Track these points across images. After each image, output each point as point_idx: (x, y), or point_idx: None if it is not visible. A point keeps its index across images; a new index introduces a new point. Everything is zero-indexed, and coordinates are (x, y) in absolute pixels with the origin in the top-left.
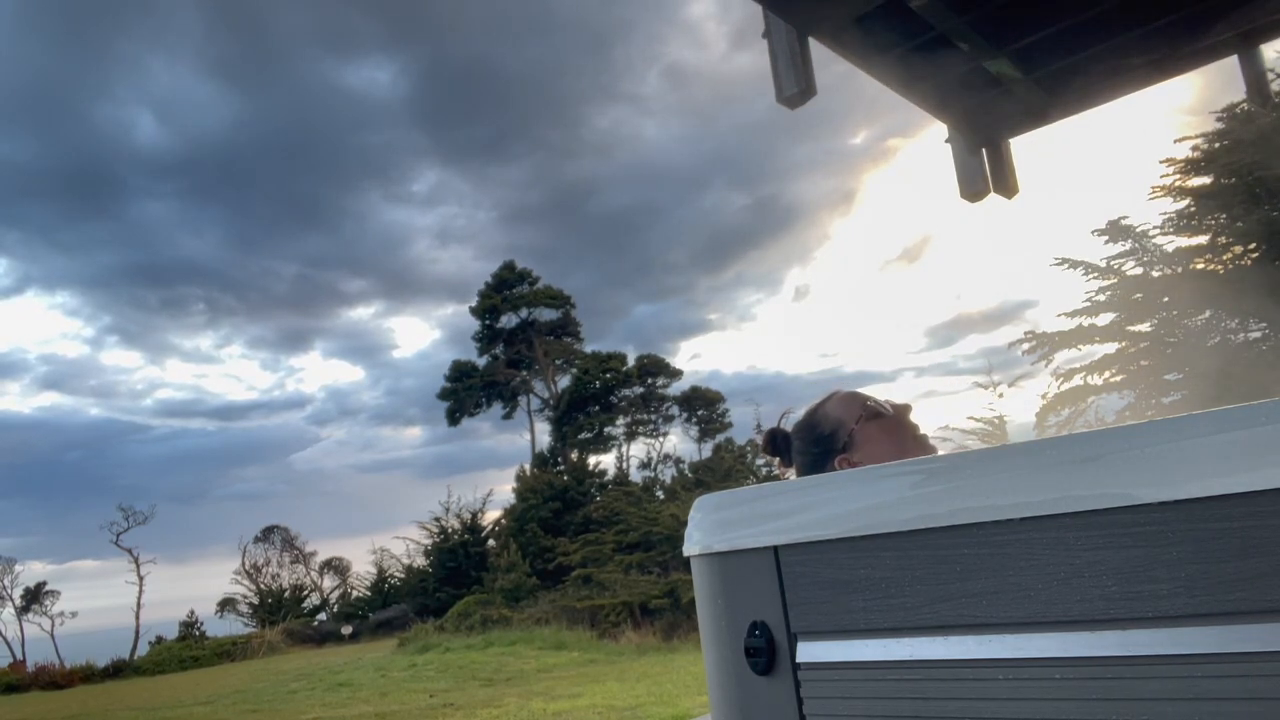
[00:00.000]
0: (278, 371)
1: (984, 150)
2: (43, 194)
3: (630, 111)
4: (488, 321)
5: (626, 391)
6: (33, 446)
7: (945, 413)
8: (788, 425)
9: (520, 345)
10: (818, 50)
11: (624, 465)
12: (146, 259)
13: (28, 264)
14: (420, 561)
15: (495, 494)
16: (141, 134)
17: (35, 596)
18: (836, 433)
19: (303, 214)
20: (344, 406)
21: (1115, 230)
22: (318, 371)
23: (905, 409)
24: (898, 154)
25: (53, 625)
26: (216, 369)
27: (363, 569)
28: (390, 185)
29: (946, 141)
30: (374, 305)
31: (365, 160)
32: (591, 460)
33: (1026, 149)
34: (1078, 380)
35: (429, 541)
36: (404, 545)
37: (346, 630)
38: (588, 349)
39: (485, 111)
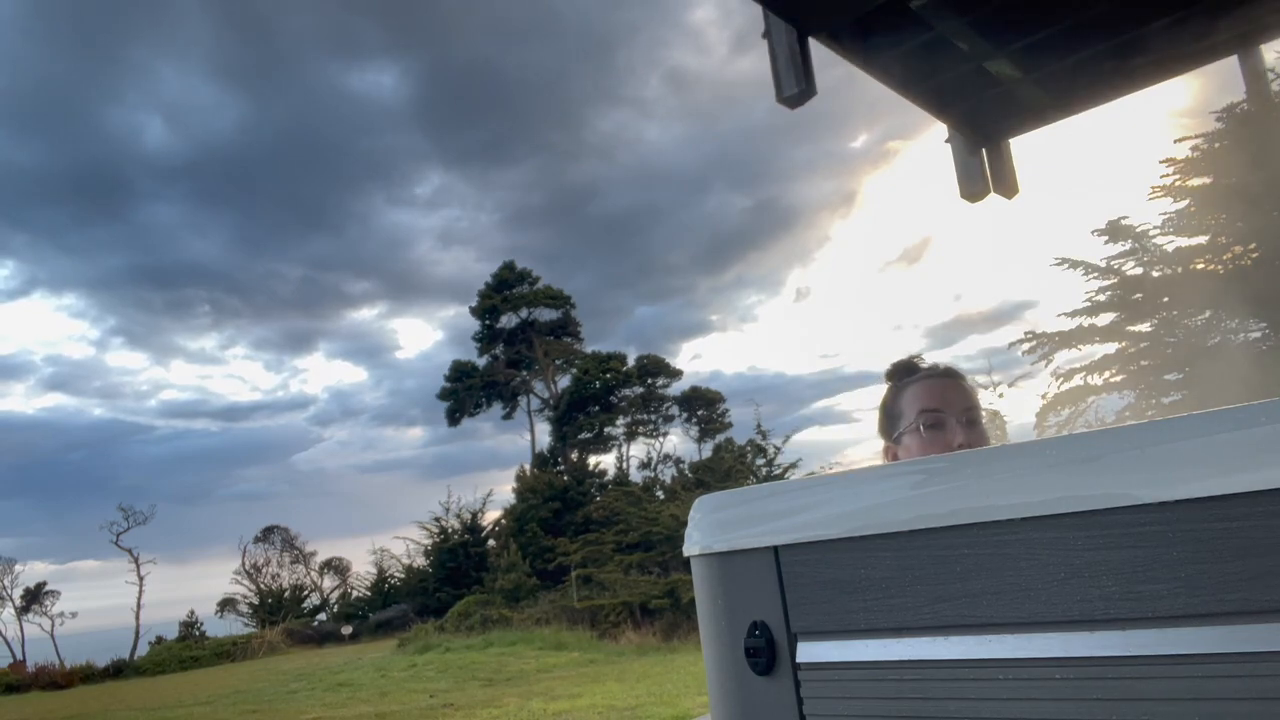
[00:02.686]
0: (281, 372)
1: (984, 150)
2: (51, 197)
3: (632, 114)
4: (488, 322)
5: (626, 392)
6: (35, 447)
7: None
8: (924, 362)
9: (520, 345)
10: (818, 50)
11: (624, 465)
12: (153, 261)
13: (34, 266)
14: (420, 562)
15: (495, 494)
16: (150, 138)
17: (35, 597)
18: (898, 421)
19: (307, 217)
20: (346, 407)
21: (1115, 230)
22: (321, 372)
23: (965, 431)
24: (897, 156)
25: (53, 625)
26: (220, 370)
27: (363, 569)
28: (393, 188)
29: (946, 141)
30: (377, 307)
31: (369, 163)
32: (591, 460)
33: (1026, 149)
34: (1078, 380)
35: (429, 542)
36: (404, 545)
37: (346, 630)
38: (589, 350)
39: (487, 115)
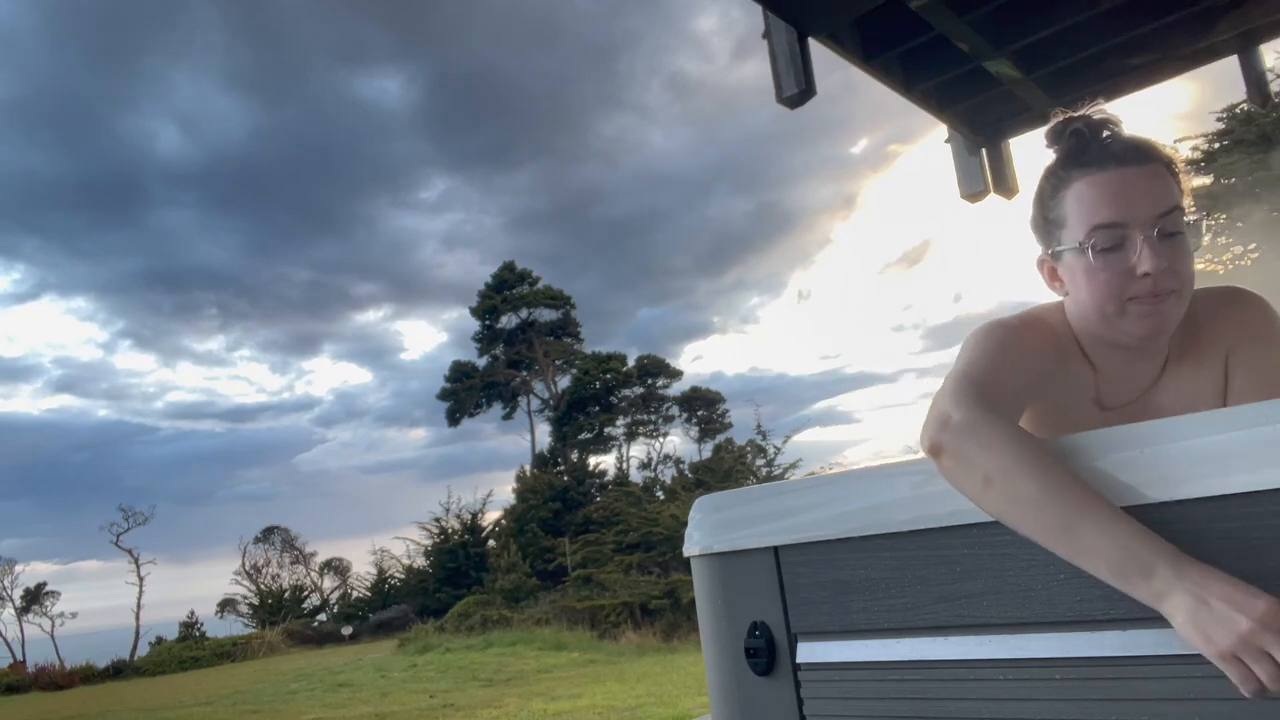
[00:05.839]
0: (287, 374)
1: (984, 150)
2: (65, 203)
3: (635, 120)
4: (487, 322)
5: (626, 392)
6: (40, 448)
7: None
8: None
9: (520, 346)
10: (818, 51)
11: (624, 466)
12: (163, 265)
13: (45, 270)
14: (420, 562)
15: (495, 495)
16: (164, 145)
17: (35, 597)
18: (1057, 231)
19: (315, 221)
20: (351, 408)
21: None
22: (326, 374)
23: (1160, 249)
24: (898, 159)
25: (53, 626)
26: (227, 371)
27: (363, 570)
28: (399, 192)
29: (946, 142)
30: (383, 309)
31: (376, 168)
32: (591, 461)
33: (1026, 149)
34: None
35: (429, 542)
36: (404, 546)
37: (347, 631)
38: (589, 350)
39: (492, 120)
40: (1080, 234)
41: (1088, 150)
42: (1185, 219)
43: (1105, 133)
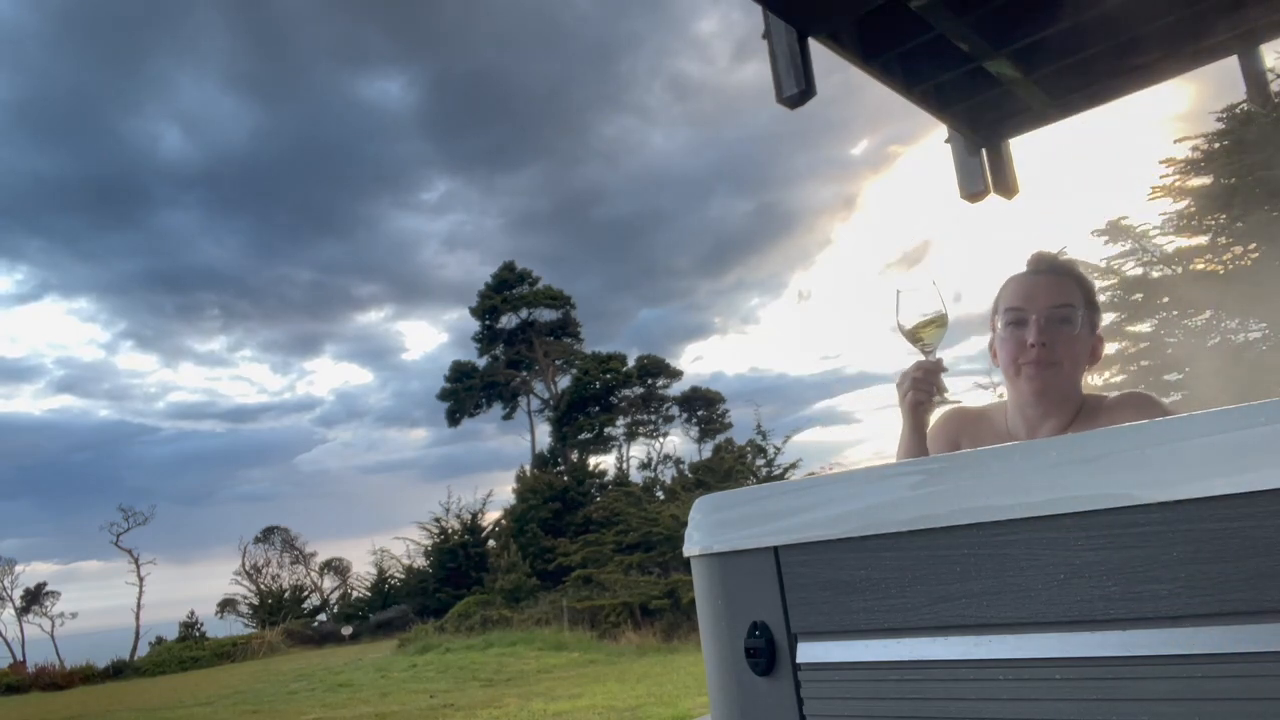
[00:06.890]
0: (289, 374)
1: (984, 150)
2: (69, 205)
3: (636, 121)
4: (488, 322)
5: (626, 392)
6: (41, 448)
7: None
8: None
9: (520, 346)
10: (818, 52)
11: (624, 466)
12: (165, 266)
13: (47, 271)
14: (420, 562)
15: (496, 495)
16: (167, 146)
17: (35, 597)
18: (993, 314)
19: (317, 222)
20: (352, 409)
21: (1115, 230)
22: (327, 374)
23: (1046, 331)
24: (898, 160)
25: (53, 626)
26: (228, 372)
27: (363, 570)
28: (401, 193)
29: (946, 142)
30: (384, 309)
31: (378, 169)
32: (591, 461)
33: (1026, 149)
34: None
35: (429, 542)
36: (404, 546)
37: (346, 631)
38: (589, 351)
39: (493, 121)
40: (1000, 312)
41: (1028, 267)
42: (1077, 314)
43: (1055, 261)
